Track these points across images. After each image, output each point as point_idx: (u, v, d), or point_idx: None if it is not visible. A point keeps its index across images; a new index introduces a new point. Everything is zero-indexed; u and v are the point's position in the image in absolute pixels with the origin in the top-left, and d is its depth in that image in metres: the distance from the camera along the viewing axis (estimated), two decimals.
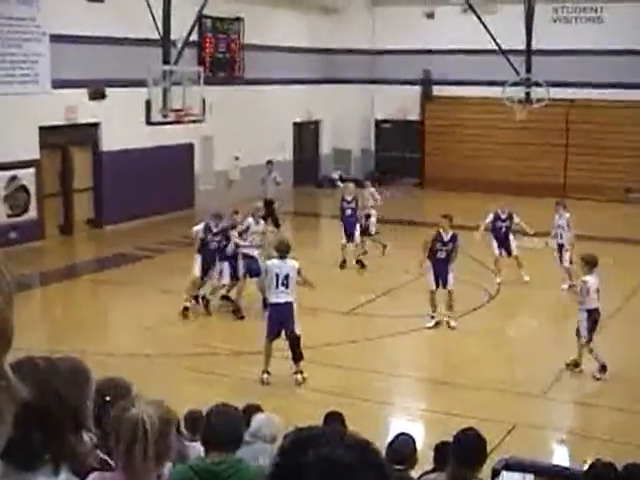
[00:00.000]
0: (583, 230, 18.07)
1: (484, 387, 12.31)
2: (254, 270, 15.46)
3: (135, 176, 23.79)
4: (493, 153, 31.47)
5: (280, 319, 12.33)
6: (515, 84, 26.38)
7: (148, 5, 20.16)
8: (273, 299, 12.43)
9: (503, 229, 18.22)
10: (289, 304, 12.27)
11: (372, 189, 20.74)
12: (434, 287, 15.23)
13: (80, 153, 23.30)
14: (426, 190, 32.06)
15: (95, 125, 23.27)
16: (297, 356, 12.39)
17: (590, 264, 12.73)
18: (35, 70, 20.71)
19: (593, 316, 12.82)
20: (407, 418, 11.84)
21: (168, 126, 21.34)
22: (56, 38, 20.68)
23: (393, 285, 17.75)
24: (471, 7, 26.62)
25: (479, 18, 25.89)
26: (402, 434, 7.17)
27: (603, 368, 12.69)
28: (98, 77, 22.75)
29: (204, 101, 21.00)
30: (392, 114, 33.94)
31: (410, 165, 33.46)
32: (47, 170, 22.14)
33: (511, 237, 18.34)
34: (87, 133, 23.21)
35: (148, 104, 19.52)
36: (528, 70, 26.81)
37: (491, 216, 18.25)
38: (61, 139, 22.37)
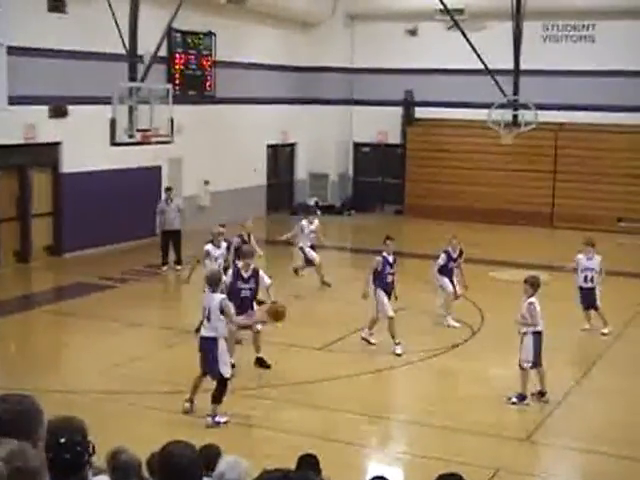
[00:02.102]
0: (570, 262, 18.13)
1: (466, 429, 12.31)
2: None
3: (98, 200, 23.74)
4: (478, 179, 31.65)
5: (201, 354, 12.39)
6: (502, 106, 26.55)
7: (114, 17, 20.17)
8: (201, 332, 12.61)
9: (454, 269, 18.06)
10: (209, 339, 12.24)
11: (317, 221, 21.37)
12: (392, 313, 15.84)
13: (39, 175, 23.23)
14: (407, 218, 32.15)
15: (56, 145, 23.22)
16: (214, 397, 12.20)
17: (534, 286, 13.31)
18: None
19: (538, 340, 13.32)
20: (385, 461, 11.80)
21: (134, 147, 21.26)
22: (14, 50, 20.57)
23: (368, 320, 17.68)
24: (456, 24, 26.80)
25: (465, 36, 26.06)
26: (378, 478, 7.15)
27: (542, 394, 13.35)
28: (59, 93, 22.74)
29: (173, 121, 20.99)
30: (372, 137, 34.15)
31: (390, 191, 33.63)
32: (3, 193, 22.06)
33: (456, 271, 18.24)
34: (47, 153, 23.14)
35: (113, 123, 19.48)
36: (516, 92, 26.97)
37: (444, 257, 17.87)
38: (18, 159, 22.31)
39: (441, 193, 32.02)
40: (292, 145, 34.23)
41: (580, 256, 17.61)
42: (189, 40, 27.79)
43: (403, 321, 17.36)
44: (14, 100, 20.51)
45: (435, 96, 32.17)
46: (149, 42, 21.30)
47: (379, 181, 34.46)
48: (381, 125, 33.50)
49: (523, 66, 27.20)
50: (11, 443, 3.40)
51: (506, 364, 14.53)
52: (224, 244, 17.14)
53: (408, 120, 33.36)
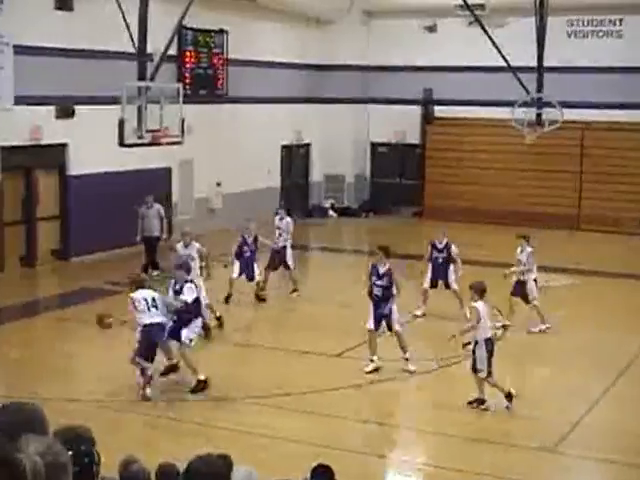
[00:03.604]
0: (598, 266, 18.13)
1: (485, 439, 12.30)
2: None
3: (106, 203, 23.83)
4: (500, 180, 31.60)
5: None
6: (525, 104, 26.56)
7: (122, 15, 20.24)
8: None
9: (440, 260, 18.57)
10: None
11: (289, 219, 20.92)
12: (372, 326, 15.11)
13: (45, 177, 23.36)
14: (426, 220, 32.11)
15: (62, 146, 23.35)
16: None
17: (479, 291, 13.28)
18: None
19: (488, 346, 13.28)
20: (402, 473, 11.83)
21: (143, 148, 21.33)
22: (20, 49, 20.77)
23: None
24: (477, 19, 26.81)
25: (486, 32, 26.08)
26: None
27: (509, 396, 13.23)
28: (66, 93, 22.85)
29: (183, 121, 21.04)
30: (389, 137, 34.10)
31: (409, 193, 33.59)
32: (8, 195, 22.19)
33: (451, 268, 18.60)
34: (53, 155, 23.27)
35: (121, 124, 19.54)
36: (539, 89, 26.98)
37: (429, 248, 18.71)
38: (24, 161, 22.43)
39: (462, 195, 31.98)
40: (307, 145, 34.26)
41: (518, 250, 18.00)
42: (200, 38, 27.89)
43: (421, 327, 17.43)
44: (20, 100, 20.70)
45: (455, 94, 32.13)
46: (159, 40, 21.33)
47: (397, 182, 34.45)
48: (399, 124, 33.48)
49: (547, 63, 27.19)
50: (41, 439, 3.57)
51: (527, 373, 14.56)
52: (196, 245, 17.46)
53: (427, 119, 33.33)
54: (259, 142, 30.50)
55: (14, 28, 20.72)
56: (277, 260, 20.46)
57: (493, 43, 26.19)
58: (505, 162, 31.53)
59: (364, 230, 32.20)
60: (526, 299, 17.66)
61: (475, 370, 13.32)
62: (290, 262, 20.51)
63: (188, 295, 14.03)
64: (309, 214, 33.11)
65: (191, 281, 14.50)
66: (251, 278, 19.59)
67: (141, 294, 13.86)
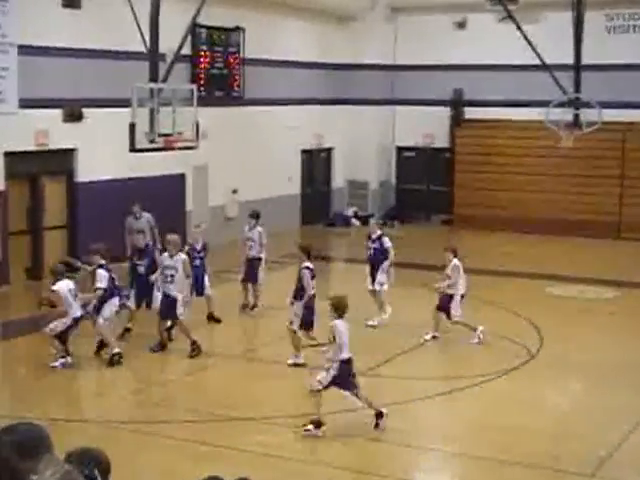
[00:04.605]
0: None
1: (519, 462, 12.19)
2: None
3: (116, 211, 23.79)
4: (535, 186, 31.48)
5: None
6: (561, 105, 26.45)
7: (133, 13, 20.31)
8: None
9: (372, 251, 18.89)
10: None
11: (260, 228, 20.05)
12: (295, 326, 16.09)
13: (52, 184, 23.43)
14: (456, 229, 32.01)
15: (70, 152, 23.44)
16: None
17: (339, 309, 13.11)
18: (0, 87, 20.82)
19: (348, 368, 12.95)
20: None
21: (155, 153, 21.38)
22: (24, 49, 20.81)
23: (413, 343, 17.71)
24: (510, 15, 26.75)
25: (519, 27, 26.02)
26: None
27: (380, 415, 13.04)
28: (74, 96, 22.95)
29: (197, 125, 21.07)
30: (416, 140, 34.05)
31: (437, 200, 33.55)
32: (13, 204, 22.24)
33: (382, 267, 18.72)
34: (61, 161, 23.36)
35: (132, 128, 19.56)
36: (577, 89, 26.88)
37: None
38: (30, 168, 22.51)
39: (494, 201, 31.88)
40: (328, 150, 34.27)
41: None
42: (215, 36, 27.94)
43: (454, 342, 17.35)
44: (25, 103, 20.71)
45: (486, 95, 32.08)
46: (171, 39, 21.40)
47: (425, 189, 34.39)
48: (427, 127, 33.43)
49: (585, 60, 27.07)
50: (59, 464, 3.61)
51: (565, 391, 14.45)
52: (182, 256, 17.07)
53: (457, 121, 33.30)
54: (278, 147, 30.53)
55: (18, 27, 20.73)
56: (251, 271, 19.81)
57: (527, 39, 26.13)
58: (540, 167, 31.40)
59: (390, 240, 32.04)
60: (448, 314, 17.65)
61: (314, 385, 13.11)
62: (260, 275, 19.87)
63: (100, 282, 16.16)
64: (331, 223, 33.08)
65: (101, 266, 16.33)
66: (200, 293, 18.74)
67: (65, 286, 15.75)
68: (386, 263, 18.81)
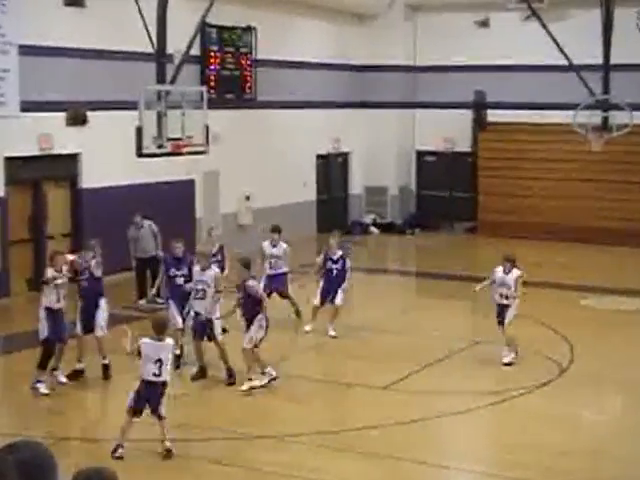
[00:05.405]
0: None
1: None
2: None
3: (123, 219, 23.75)
4: (563, 192, 31.36)
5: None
6: (590, 107, 26.32)
7: (140, 11, 20.31)
8: None
9: (334, 272, 18.91)
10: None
11: (284, 245, 20.01)
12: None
13: (55, 191, 23.43)
14: (481, 237, 31.87)
15: (74, 157, 23.43)
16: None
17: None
18: (0, 89, 20.77)
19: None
20: None
21: (163, 158, 21.35)
22: (26, 50, 20.77)
23: (440, 355, 17.60)
24: (535, 13, 26.66)
25: (544, 26, 25.92)
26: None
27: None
28: (78, 98, 22.93)
29: (208, 128, 21.00)
30: (437, 144, 33.98)
31: (460, 207, 33.45)
32: (14, 211, 22.22)
33: (343, 287, 18.85)
34: (64, 166, 23.35)
35: (139, 132, 19.52)
36: (606, 90, 26.76)
37: (321, 256, 19.30)
38: (32, 173, 22.51)
39: (520, 208, 31.76)
40: (345, 155, 34.23)
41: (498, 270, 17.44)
42: (226, 36, 27.91)
43: (481, 355, 17.20)
44: (27, 106, 20.68)
45: (510, 97, 31.99)
46: (180, 39, 21.42)
47: (446, 195, 34.28)
48: (448, 130, 33.37)
49: (614, 60, 26.99)
50: None
51: (600, 408, 14.25)
52: (214, 269, 16.84)
53: (479, 124, 33.23)
54: (292, 151, 30.46)
55: (19, 26, 20.70)
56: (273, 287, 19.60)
57: (553, 39, 26.07)
58: (567, 172, 31.27)
59: (410, 248, 32.00)
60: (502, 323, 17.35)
61: None
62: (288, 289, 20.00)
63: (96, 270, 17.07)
64: (348, 230, 32.92)
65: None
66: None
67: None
68: (345, 284, 18.96)
